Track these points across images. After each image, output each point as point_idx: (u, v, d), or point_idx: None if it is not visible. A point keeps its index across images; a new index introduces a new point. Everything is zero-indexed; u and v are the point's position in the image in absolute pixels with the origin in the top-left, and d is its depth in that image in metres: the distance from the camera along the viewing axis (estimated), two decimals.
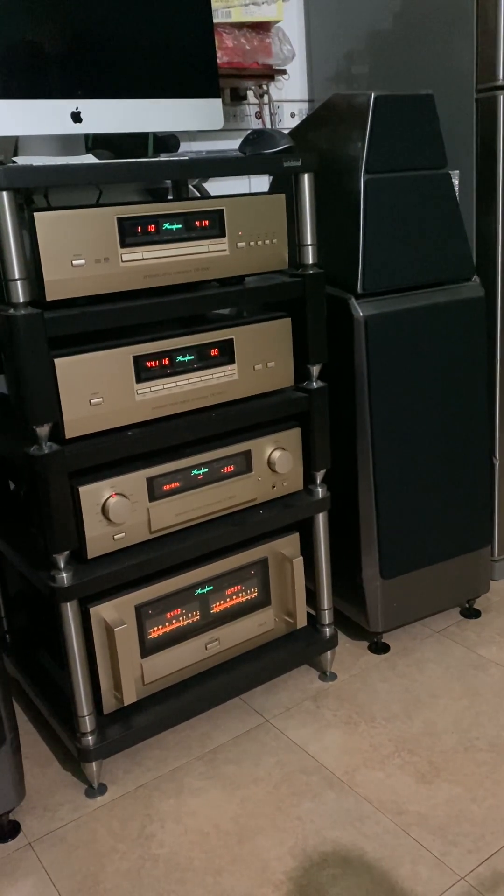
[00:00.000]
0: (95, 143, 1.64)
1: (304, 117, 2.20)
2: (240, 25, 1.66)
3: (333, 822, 1.26)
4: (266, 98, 2.02)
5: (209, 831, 1.26)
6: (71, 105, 1.40)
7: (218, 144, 2.02)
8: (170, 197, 1.81)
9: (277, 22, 1.70)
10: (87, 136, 1.62)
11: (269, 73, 1.77)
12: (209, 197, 1.28)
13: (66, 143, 1.57)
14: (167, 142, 1.75)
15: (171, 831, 1.27)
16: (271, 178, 1.95)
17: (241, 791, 1.34)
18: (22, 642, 1.65)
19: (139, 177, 1.19)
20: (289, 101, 2.12)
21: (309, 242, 1.36)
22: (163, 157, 1.39)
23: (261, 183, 2.10)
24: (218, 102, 1.56)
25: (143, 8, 1.44)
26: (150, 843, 1.25)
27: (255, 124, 2.07)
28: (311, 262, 1.37)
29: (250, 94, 2.01)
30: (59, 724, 1.39)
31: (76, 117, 1.40)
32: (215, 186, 1.96)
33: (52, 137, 1.58)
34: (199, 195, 1.84)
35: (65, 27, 1.36)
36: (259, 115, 2.06)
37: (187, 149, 1.97)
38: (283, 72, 1.80)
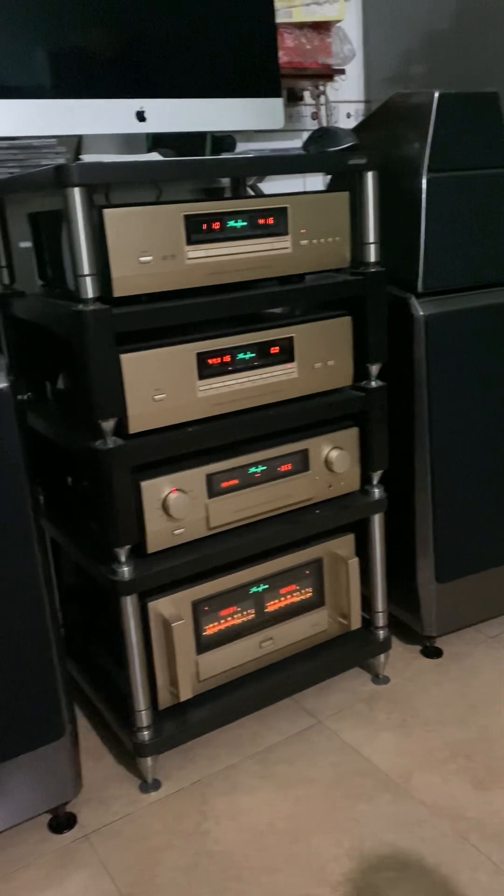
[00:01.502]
0: (154, 142, 1.66)
1: (359, 118, 2.19)
2: (301, 25, 1.66)
3: (390, 826, 1.24)
4: (323, 98, 2.02)
5: (264, 830, 1.26)
6: (136, 104, 1.41)
7: (273, 145, 2.02)
8: (227, 196, 1.82)
9: (338, 21, 1.69)
10: (147, 135, 1.64)
11: (329, 73, 1.77)
12: (273, 195, 1.28)
13: (128, 143, 1.58)
14: (224, 141, 1.76)
15: (226, 828, 1.26)
16: (329, 177, 1.95)
17: (294, 791, 1.33)
18: (75, 636, 1.67)
19: (211, 174, 1.20)
20: (345, 101, 2.12)
21: (371, 240, 1.35)
22: (229, 155, 1.39)
23: (314, 183, 2.10)
24: (279, 102, 1.56)
25: (207, 7, 1.45)
26: (206, 839, 1.25)
27: (311, 125, 2.07)
28: (373, 260, 1.36)
29: (307, 94, 2.01)
30: (114, 718, 1.40)
31: (140, 116, 1.42)
32: (269, 187, 1.96)
33: (116, 137, 1.60)
34: (253, 195, 1.84)
35: (130, 26, 1.38)
36: (315, 116, 2.06)
37: (243, 149, 1.97)
38: (342, 71, 1.80)
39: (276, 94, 1.56)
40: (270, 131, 1.96)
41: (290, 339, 1.33)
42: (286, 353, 1.33)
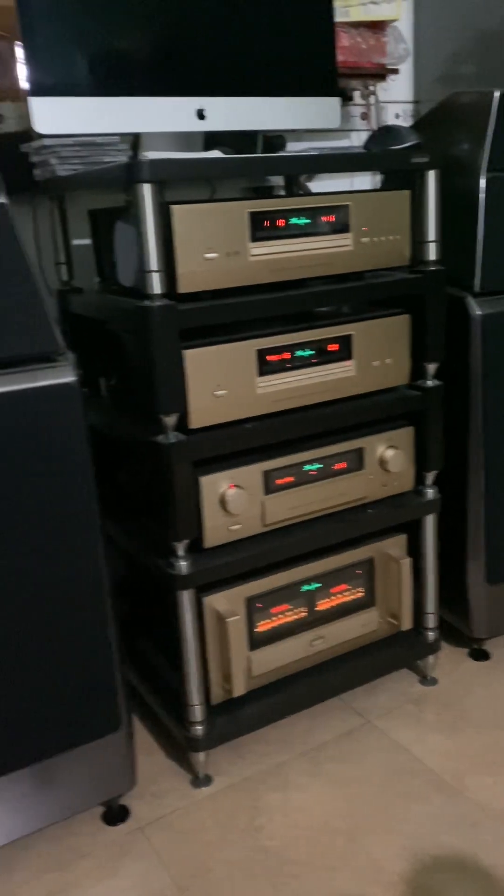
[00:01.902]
0: (208, 141, 1.67)
1: (408, 118, 2.19)
2: (357, 24, 1.66)
3: (445, 827, 1.24)
4: (372, 98, 2.02)
5: (318, 827, 1.26)
6: (196, 103, 1.42)
7: (321, 144, 2.02)
8: (278, 194, 1.82)
9: (394, 21, 1.69)
10: (202, 134, 1.64)
11: (382, 73, 1.77)
12: (335, 192, 1.28)
13: (184, 141, 1.59)
14: (274, 141, 1.77)
15: (280, 825, 1.26)
16: (378, 176, 1.94)
17: (347, 789, 1.33)
18: (123, 632, 1.67)
19: (282, 170, 1.21)
20: (394, 101, 2.11)
21: (431, 239, 1.35)
22: (296, 153, 1.40)
23: (362, 182, 2.09)
24: (336, 101, 1.57)
25: (266, 6, 1.45)
26: (260, 835, 1.25)
27: (360, 125, 2.07)
28: (432, 258, 1.36)
29: (356, 94, 2.01)
30: (166, 713, 1.41)
31: (200, 115, 1.43)
32: (315, 186, 1.96)
33: (172, 135, 1.62)
34: (307, 193, 1.84)
35: (191, 25, 1.39)
36: (365, 116, 2.06)
37: (291, 148, 1.98)
38: (396, 71, 1.80)
39: (334, 94, 1.56)
40: (319, 131, 1.96)
41: (349, 336, 1.33)
42: (344, 350, 1.33)
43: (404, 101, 2.15)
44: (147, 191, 1.08)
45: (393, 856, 1.19)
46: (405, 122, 2.13)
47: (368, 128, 2.09)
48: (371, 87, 2.00)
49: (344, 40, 1.66)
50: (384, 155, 1.31)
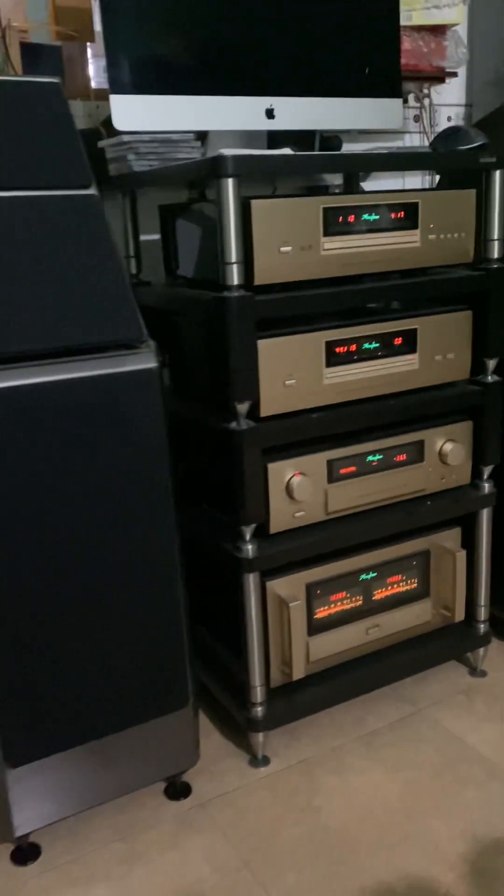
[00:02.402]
0: (271, 140, 1.71)
1: (460, 121, 2.22)
2: (419, 28, 1.70)
3: (502, 813, 1.26)
4: (427, 101, 2.05)
5: (376, 809, 1.28)
6: (266, 102, 1.46)
7: (375, 145, 2.06)
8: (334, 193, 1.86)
9: (455, 25, 1.73)
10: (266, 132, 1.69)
11: (441, 76, 1.80)
12: (403, 190, 1.32)
13: (251, 139, 1.63)
14: (331, 141, 1.80)
15: (339, 806, 1.30)
16: (438, 176, 1.97)
17: (403, 774, 1.36)
18: None
19: (355, 167, 1.25)
20: (446, 105, 2.14)
21: (496, 237, 1.38)
22: (366, 151, 1.43)
23: (413, 182, 2.12)
24: (399, 103, 1.60)
25: (335, 10, 1.49)
26: (319, 814, 1.28)
27: (414, 127, 2.10)
28: (496, 256, 1.39)
29: (410, 97, 2.04)
30: (225, 695, 1.45)
31: (270, 114, 1.47)
32: (369, 186, 1.99)
33: (239, 133, 1.66)
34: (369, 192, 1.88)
35: (262, 27, 1.43)
36: (418, 119, 2.09)
37: (346, 149, 2.01)
38: (455, 74, 1.83)
39: (397, 95, 1.60)
40: (376, 132, 2.00)
41: (414, 330, 1.36)
42: (409, 344, 1.37)
43: (457, 105, 2.18)
44: (230, 185, 1.13)
45: (453, 837, 1.22)
46: (458, 124, 2.15)
47: (421, 130, 2.12)
48: (426, 90, 2.04)
49: (406, 43, 1.70)
50: (455, 155, 1.34)
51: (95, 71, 1.75)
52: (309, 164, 1.22)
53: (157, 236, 1.61)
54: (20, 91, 1.04)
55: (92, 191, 1.10)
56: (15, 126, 1.04)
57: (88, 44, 1.70)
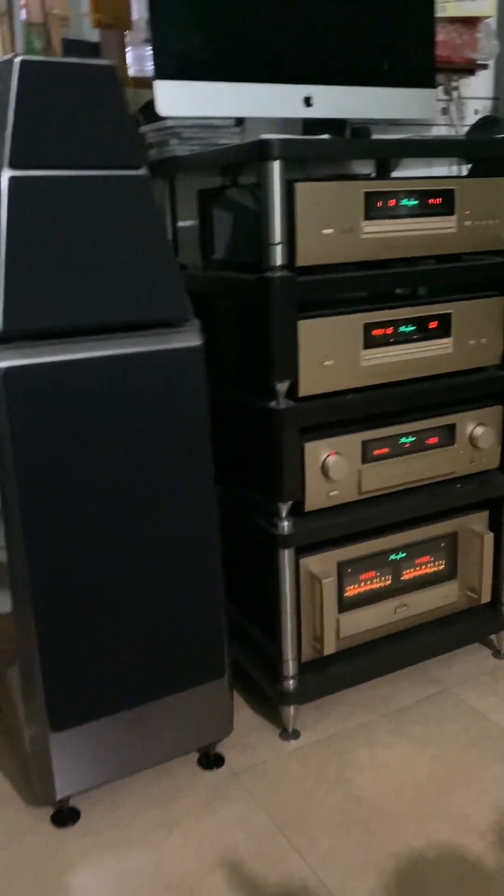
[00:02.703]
0: (305, 128, 1.74)
1: (486, 114, 2.24)
2: (452, 20, 1.72)
3: None
4: (455, 94, 2.07)
5: (405, 782, 1.32)
6: (304, 90, 1.49)
7: (402, 137, 2.08)
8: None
9: (488, 17, 1.75)
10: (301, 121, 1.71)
11: (472, 68, 1.82)
12: (441, 177, 1.34)
13: (286, 127, 1.66)
14: (360, 130, 1.83)
15: (369, 778, 1.33)
16: (464, 166, 2.00)
17: (431, 749, 1.39)
18: None
19: (399, 153, 1.27)
20: (474, 97, 2.17)
21: None
22: (402, 137, 1.45)
23: (440, 171, 2.14)
24: (433, 93, 1.63)
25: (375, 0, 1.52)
26: (350, 786, 1.31)
27: (441, 119, 2.12)
28: None
29: (439, 89, 2.06)
30: (257, 670, 1.48)
31: (308, 102, 1.50)
32: (398, 174, 2.02)
33: (276, 120, 1.69)
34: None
35: (302, 16, 1.46)
36: (445, 111, 2.11)
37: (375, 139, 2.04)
38: (486, 66, 1.85)
39: (431, 85, 1.62)
40: (401, 123, 2.02)
41: (449, 315, 1.39)
42: (443, 328, 1.39)
43: (484, 98, 2.20)
44: (276, 167, 1.16)
45: (481, 809, 1.25)
46: (492, 115, 2.17)
47: (448, 123, 2.15)
48: (454, 82, 2.06)
49: (439, 35, 1.72)
50: (494, 143, 1.37)
51: (133, 59, 1.78)
52: (352, 148, 1.24)
53: (189, 222, 1.64)
54: (78, 73, 1.07)
55: (143, 171, 1.13)
56: (73, 107, 1.07)
57: (126, 32, 1.74)
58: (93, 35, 1.74)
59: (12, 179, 1.06)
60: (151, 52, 1.74)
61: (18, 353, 1.05)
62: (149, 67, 1.77)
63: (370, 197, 1.27)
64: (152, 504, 1.17)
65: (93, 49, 1.71)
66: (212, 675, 1.28)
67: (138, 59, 1.78)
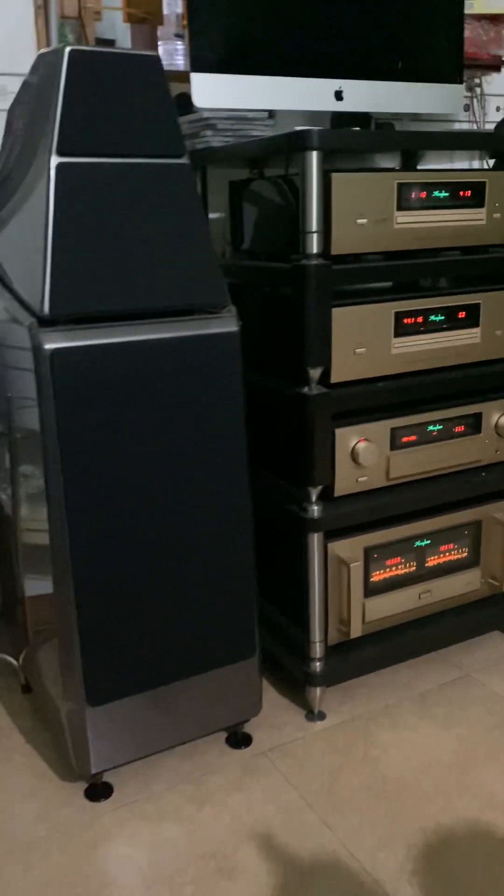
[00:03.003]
0: (334, 121, 1.76)
1: None
2: (479, 17, 1.75)
3: None
4: (478, 90, 2.10)
5: (431, 761, 1.34)
6: (336, 84, 1.52)
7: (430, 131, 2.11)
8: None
9: None
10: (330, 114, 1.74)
11: (497, 65, 1.85)
12: (471, 170, 1.37)
13: (315, 120, 1.69)
14: (384, 126, 1.86)
15: (395, 757, 1.35)
16: (485, 161, 2.02)
17: (455, 730, 1.41)
18: None
19: (430, 146, 1.29)
20: (496, 94, 2.19)
21: None
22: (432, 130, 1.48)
23: (461, 165, 2.17)
24: (461, 88, 1.66)
25: None
26: (377, 764, 1.34)
27: (463, 116, 2.15)
28: None
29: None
30: (283, 653, 1.51)
31: (339, 96, 1.53)
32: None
33: (307, 113, 1.72)
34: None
35: (334, 11, 1.49)
36: (468, 108, 2.14)
37: None
38: None
39: (459, 81, 1.65)
40: (424, 119, 2.05)
41: (478, 305, 1.42)
42: (472, 318, 1.42)
43: None
44: (314, 158, 1.18)
45: None
46: None
47: (471, 119, 2.17)
48: (477, 79, 2.08)
49: (466, 31, 1.75)
50: None
51: (163, 53, 1.81)
52: (389, 140, 1.27)
53: (216, 214, 1.67)
54: (124, 63, 1.10)
55: (185, 160, 1.16)
56: (119, 96, 1.10)
57: (158, 27, 1.77)
58: (124, 30, 1.78)
59: (59, 166, 1.09)
60: (182, 46, 1.77)
61: (64, 335, 1.08)
62: (179, 61, 1.81)
63: (403, 188, 1.29)
64: (189, 485, 1.20)
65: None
66: (242, 654, 1.31)
67: (169, 53, 1.81)
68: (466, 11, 1.75)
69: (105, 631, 1.18)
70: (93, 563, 1.16)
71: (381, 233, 1.29)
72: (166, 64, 1.79)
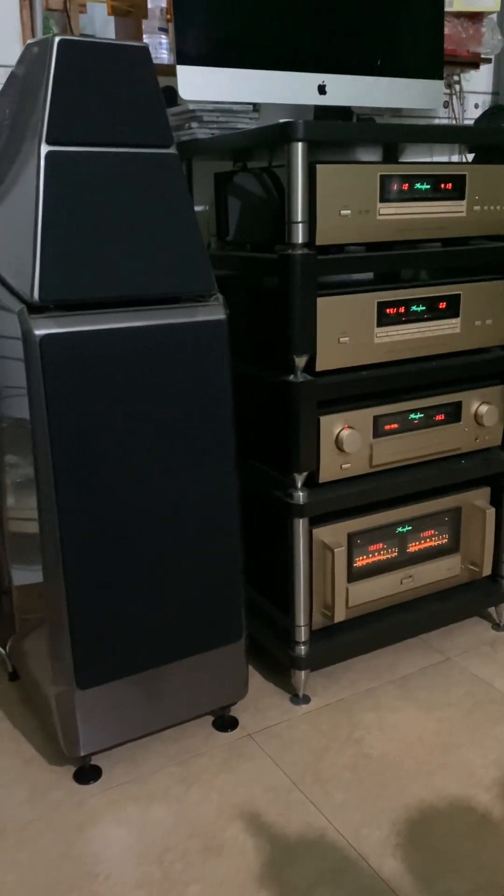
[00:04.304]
0: (317, 115, 1.79)
1: (486, 108, 2.30)
2: (458, 14, 1.78)
3: None
4: (457, 87, 2.13)
5: (413, 741, 1.37)
6: (319, 79, 1.54)
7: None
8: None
9: (493, 12, 1.81)
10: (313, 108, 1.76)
11: (476, 62, 1.89)
12: (452, 163, 1.40)
13: (299, 114, 1.72)
14: (365, 120, 1.89)
15: (378, 738, 1.38)
16: (464, 155, 2.06)
17: (436, 713, 1.45)
18: None
19: (413, 138, 1.32)
20: (473, 92, 2.23)
21: None
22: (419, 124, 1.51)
23: (440, 159, 2.21)
24: (441, 84, 1.69)
25: None
26: (361, 745, 1.37)
27: (443, 112, 2.18)
28: None
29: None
30: (268, 638, 1.53)
31: (322, 90, 1.55)
32: None
33: (290, 107, 1.74)
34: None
35: (317, 6, 1.51)
36: (447, 104, 2.17)
37: None
38: (489, 60, 1.91)
39: (439, 77, 1.68)
40: (404, 115, 2.08)
41: (458, 296, 1.45)
42: (452, 308, 1.45)
43: (484, 92, 2.26)
44: (300, 149, 1.21)
45: (486, 765, 1.31)
46: (483, 111, 2.24)
47: (450, 116, 2.21)
48: (456, 76, 2.12)
49: (446, 28, 1.78)
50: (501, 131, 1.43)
51: (149, 46, 1.82)
52: (373, 133, 1.30)
53: (201, 206, 1.69)
54: (113, 53, 1.12)
55: (173, 150, 1.18)
56: (108, 86, 1.12)
57: (143, 20, 1.78)
58: (108, 22, 1.79)
59: (49, 154, 1.10)
60: (166, 40, 1.78)
61: (54, 321, 1.10)
62: (163, 55, 1.82)
63: (386, 180, 1.32)
64: (177, 471, 1.22)
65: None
66: (229, 638, 1.33)
67: (153, 46, 1.82)
68: (446, 9, 1.79)
69: (94, 615, 1.20)
70: (82, 549, 1.17)
71: (365, 224, 1.32)
72: (152, 57, 1.81)
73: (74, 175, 1.12)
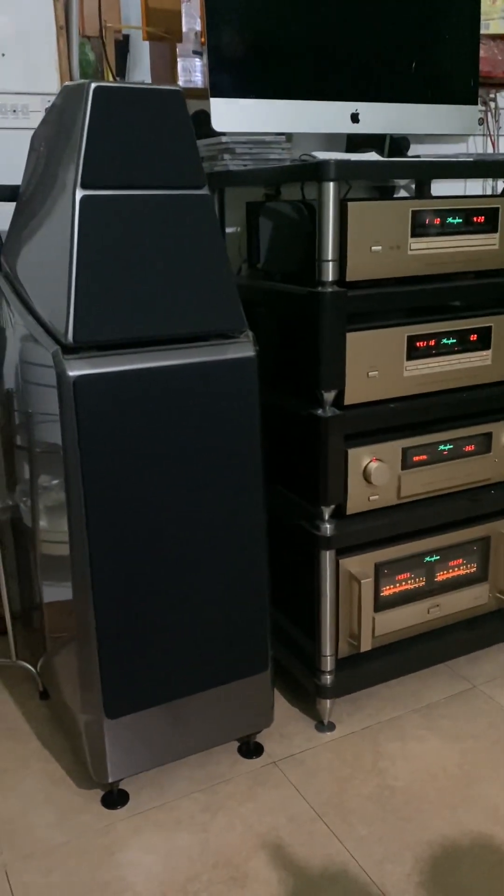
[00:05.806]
0: (349, 142, 1.79)
1: None
2: (494, 36, 1.77)
3: None
4: (493, 104, 2.11)
5: (437, 773, 1.38)
6: (351, 107, 1.54)
7: (440, 149, 2.13)
8: (403, 195, 1.93)
9: None
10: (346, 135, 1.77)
11: None
12: (482, 196, 1.40)
13: (331, 141, 1.72)
14: (400, 143, 1.88)
15: (402, 769, 1.39)
16: (500, 182, 2.04)
17: (461, 743, 1.45)
18: None
19: (445, 174, 1.32)
20: None
21: None
22: (455, 158, 1.51)
23: (473, 187, 2.19)
24: (475, 109, 1.68)
25: (419, 20, 1.57)
26: (385, 775, 1.38)
27: (478, 129, 2.17)
28: None
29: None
30: (294, 664, 1.54)
31: (355, 118, 1.55)
32: (434, 190, 2.06)
33: (322, 136, 1.74)
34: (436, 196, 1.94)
35: (350, 36, 1.51)
36: (482, 121, 2.16)
37: (414, 151, 2.09)
38: None
39: (473, 102, 1.67)
40: (440, 135, 2.07)
41: (489, 328, 1.44)
42: (483, 340, 1.45)
43: None
44: (331, 188, 1.21)
45: None
46: None
47: (485, 133, 2.19)
48: (492, 96, 2.10)
49: (482, 51, 1.76)
50: None
51: (183, 69, 1.84)
52: (405, 169, 1.30)
53: (231, 229, 1.70)
54: (147, 97, 1.13)
55: (205, 191, 1.19)
56: (142, 129, 1.13)
57: (178, 44, 1.80)
58: (143, 47, 1.81)
59: (84, 199, 1.12)
60: (200, 63, 1.80)
61: (87, 363, 1.12)
62: (197, 78, 1.83)
63: (417, 215, 1.32)
64: (205, 504, 1.24)
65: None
66: (255, 668, 1.35)
67: (187, 69, 1.84)
68: (482, 32, 1.77)
69: (122, 644, 1.23)
70: (111, 577, 1.20)
71: (396, 259, 1.32)
72: (185, 80, 1.82)
73: (108, 218, 1.14)
